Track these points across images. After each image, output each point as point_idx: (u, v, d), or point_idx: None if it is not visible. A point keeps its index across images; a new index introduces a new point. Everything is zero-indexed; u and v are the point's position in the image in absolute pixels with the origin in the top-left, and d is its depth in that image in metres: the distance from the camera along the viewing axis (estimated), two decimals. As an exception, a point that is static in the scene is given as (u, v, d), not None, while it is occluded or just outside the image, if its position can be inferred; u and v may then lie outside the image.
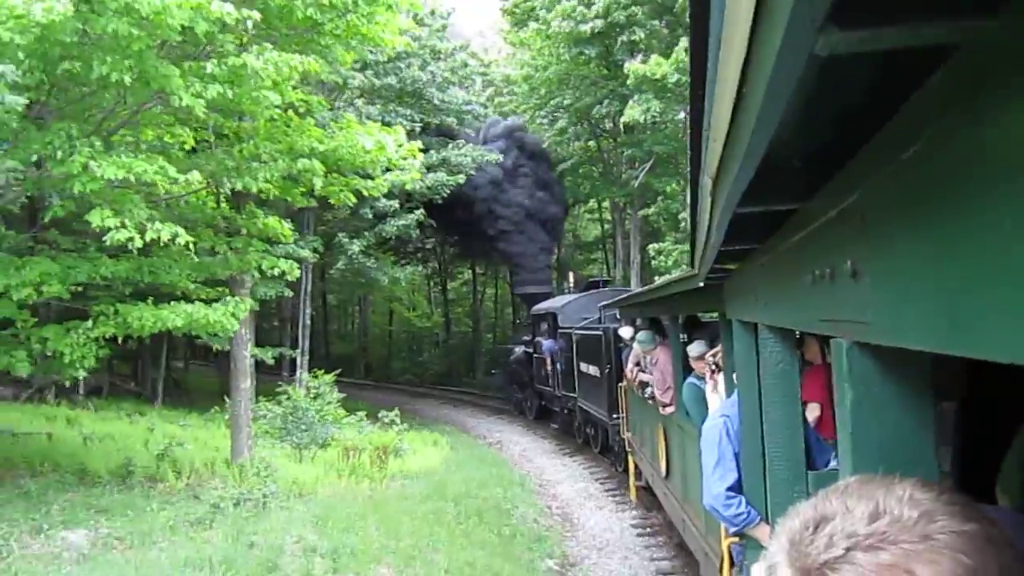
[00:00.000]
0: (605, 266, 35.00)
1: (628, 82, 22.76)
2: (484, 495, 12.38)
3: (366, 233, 23.71)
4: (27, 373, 9.96)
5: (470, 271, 44.50)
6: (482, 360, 39.37)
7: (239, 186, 10.14)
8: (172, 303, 10.12)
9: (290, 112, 10.90)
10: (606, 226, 33.30)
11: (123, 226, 8.29)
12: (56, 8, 6.60)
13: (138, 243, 8.45)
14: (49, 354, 9.43)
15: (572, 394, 17.85)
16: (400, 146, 11.22)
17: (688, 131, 1.89)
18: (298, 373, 20.80)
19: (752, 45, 0.95)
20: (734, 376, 4.53)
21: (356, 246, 23.18)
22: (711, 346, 6.39)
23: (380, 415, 17.27)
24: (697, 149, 1.84)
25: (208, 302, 10.60)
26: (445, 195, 23.84)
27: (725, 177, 1.67)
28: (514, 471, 15.78)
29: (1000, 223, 0.76)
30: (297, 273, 12.08)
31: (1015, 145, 0.71)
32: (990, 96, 0.75)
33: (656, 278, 20.43)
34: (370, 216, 22.83)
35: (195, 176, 9.12)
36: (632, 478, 12.42)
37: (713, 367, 6.04)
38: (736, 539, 4.58)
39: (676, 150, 25.43)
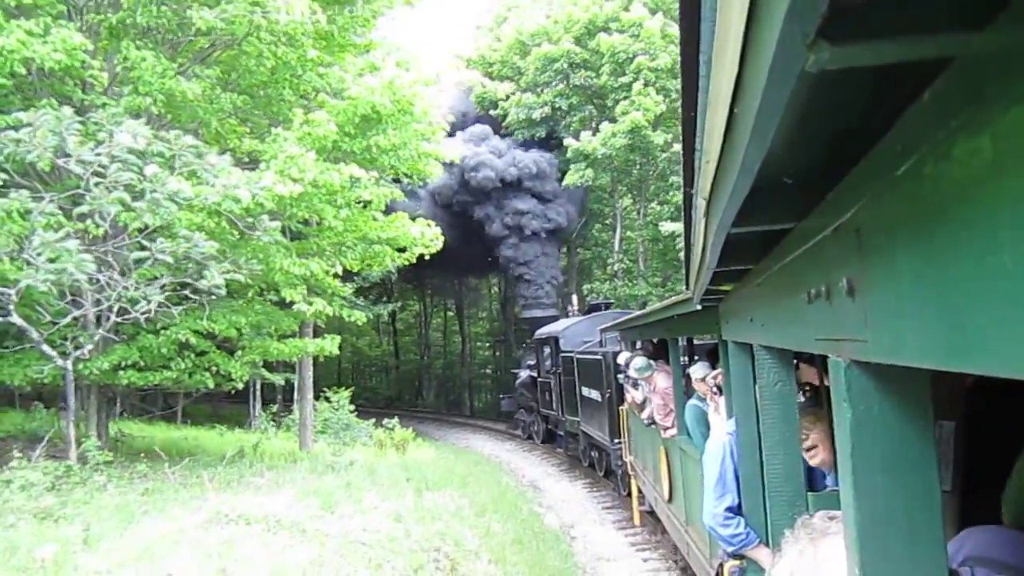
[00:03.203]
0: (544, 298, 40.26)
1: (567, 154, 29.41)
2: (477, 471, 17.26)
3: (355, 277, 25.37)
4: (212, 386, 14.52)
5: (419, 303, 48.80)
6: (433, 384, 46.02)
7: (321, 269, 14.22)
8: (298, 339, 15.89)
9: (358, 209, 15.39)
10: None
11: (301, 300, 13.62)
12: (295, 190, 11.21)
13: (309, 311, 13.77)
14: (223, 373, 14.15)
15: (575, 418, 17.82)
16: (430, 228, 15.97)
17: (680, 152, 1.88)
18: (296, 394, 24.28)
19: (743, 63, 0.94)
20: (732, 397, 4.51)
21: (349, 288, 25.17)
22: (713, 368, 6.38)
23: (384, 422, 21.53)
24: (690, 170, 1.83)
25: (290, 337, 15.89)
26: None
27: (719, 197, 1.66)
28: (490, 461, 21.38)
29: (998, 236, 0.74)
30: (364, 320, 17.13)
31: (1011, 153, 0.70)
32: (989, 106, 0.74)
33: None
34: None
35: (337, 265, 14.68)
36: (635, 502, 12.32)
37: (715, 389, 6.03)
38: (737, 561, 4.54)
39: (605, 207, 34.52)
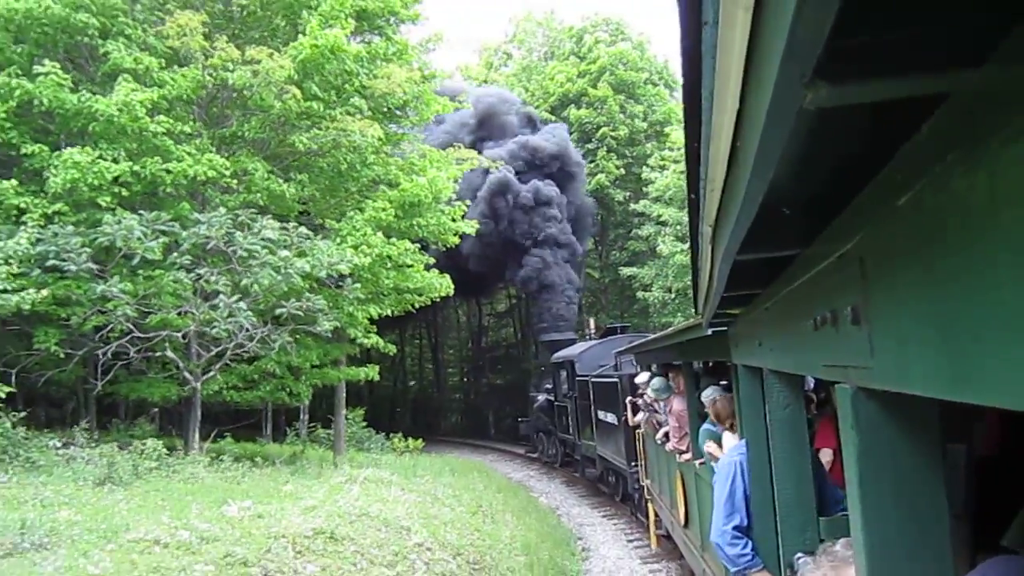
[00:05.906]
0: (513, 329, 45.80)
1: None
2: (480, 468, 21.71)
3: None
4: (286, 402, 18.99)
5: (394, 332, 49.46)
6: (408, 408, 49.52)
7: (375, 313, 17.69)
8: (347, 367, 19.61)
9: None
10: (513, 300, 44.57)
11: (362, 335, 17.67)
12: (366, 260, 15.51)
13: (369, 343, 18.03)
14: (294, 393, 17.86)
15: (592, 442, 17.73)
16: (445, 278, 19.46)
17: (686, 176, 1.89)
18: (302, 416, 26.22)
19: (744, 100, 0.95)
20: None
21: None
22: (727, 390, 6.33)
23: (389, 435, 25.43)
24: (696, 197, 1.84)
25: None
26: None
27: (724, 225, 1.67)
28: (483, 468, 23.82)
29: (997, 269, 0.75)
30: (394, 350, 23.30)
31: (1007, 190, 0.71)
32: (982, 142, 0.75)
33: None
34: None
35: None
36: (652, 526, 12.19)
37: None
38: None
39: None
